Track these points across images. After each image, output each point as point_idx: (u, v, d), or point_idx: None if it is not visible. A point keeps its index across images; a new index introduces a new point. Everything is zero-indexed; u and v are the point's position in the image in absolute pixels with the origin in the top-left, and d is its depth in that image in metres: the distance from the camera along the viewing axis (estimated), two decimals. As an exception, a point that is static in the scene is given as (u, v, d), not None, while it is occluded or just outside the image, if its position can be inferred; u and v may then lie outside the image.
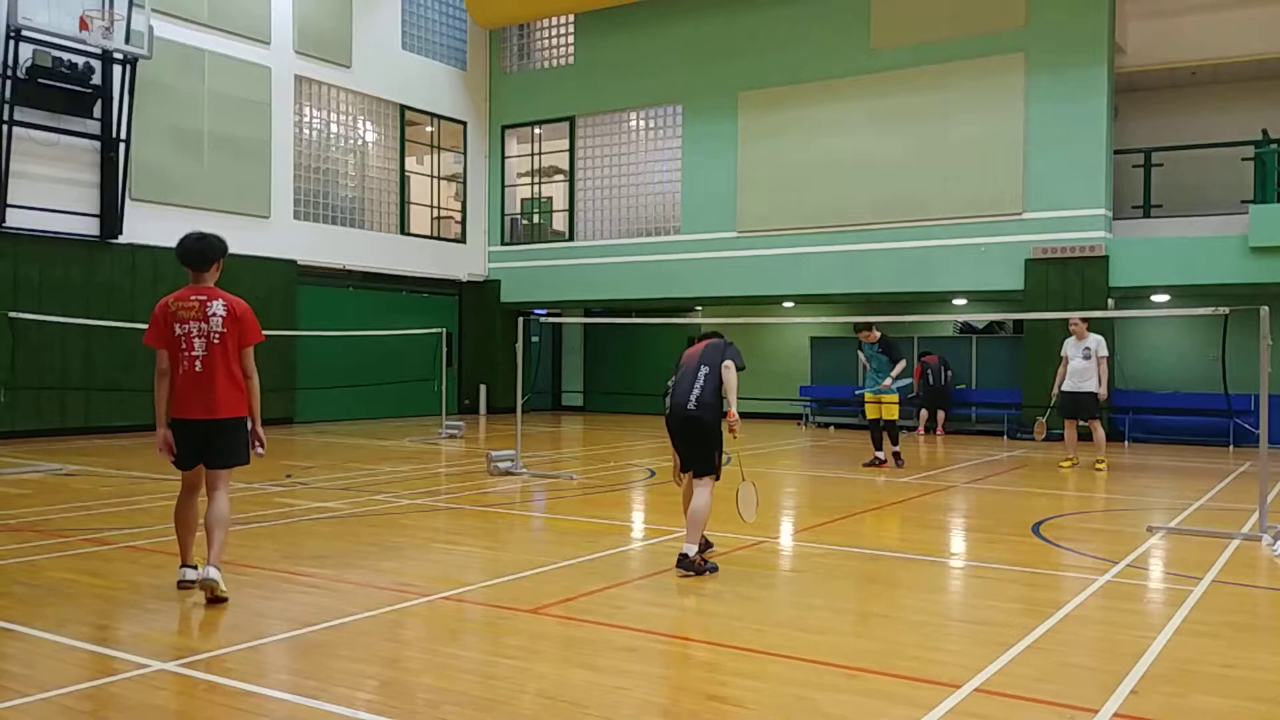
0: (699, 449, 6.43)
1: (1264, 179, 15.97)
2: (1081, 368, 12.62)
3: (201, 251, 5.70)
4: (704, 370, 6.41)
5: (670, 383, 6.60)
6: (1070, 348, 12.77)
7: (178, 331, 5.58)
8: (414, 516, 8.53)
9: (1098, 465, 12.59)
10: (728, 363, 6.39)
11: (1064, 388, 12.77)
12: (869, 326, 12.47)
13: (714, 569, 6.30)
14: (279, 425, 18.39)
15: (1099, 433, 12.79)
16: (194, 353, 5.57)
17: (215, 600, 5.40)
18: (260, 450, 5.83)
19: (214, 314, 5.62)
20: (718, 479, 6.47)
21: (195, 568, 5.70)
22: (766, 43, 19.76)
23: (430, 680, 4.25)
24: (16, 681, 4.19)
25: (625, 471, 12.16)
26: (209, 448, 5.64)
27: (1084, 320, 12.60)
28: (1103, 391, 12.71)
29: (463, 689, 4.14)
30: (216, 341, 5.59)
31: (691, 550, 6.24)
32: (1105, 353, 12.70)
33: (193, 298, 5.64)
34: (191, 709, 3.89)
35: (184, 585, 5.70)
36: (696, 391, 6.36)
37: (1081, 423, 12.94)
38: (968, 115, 17.75)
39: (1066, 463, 12.87)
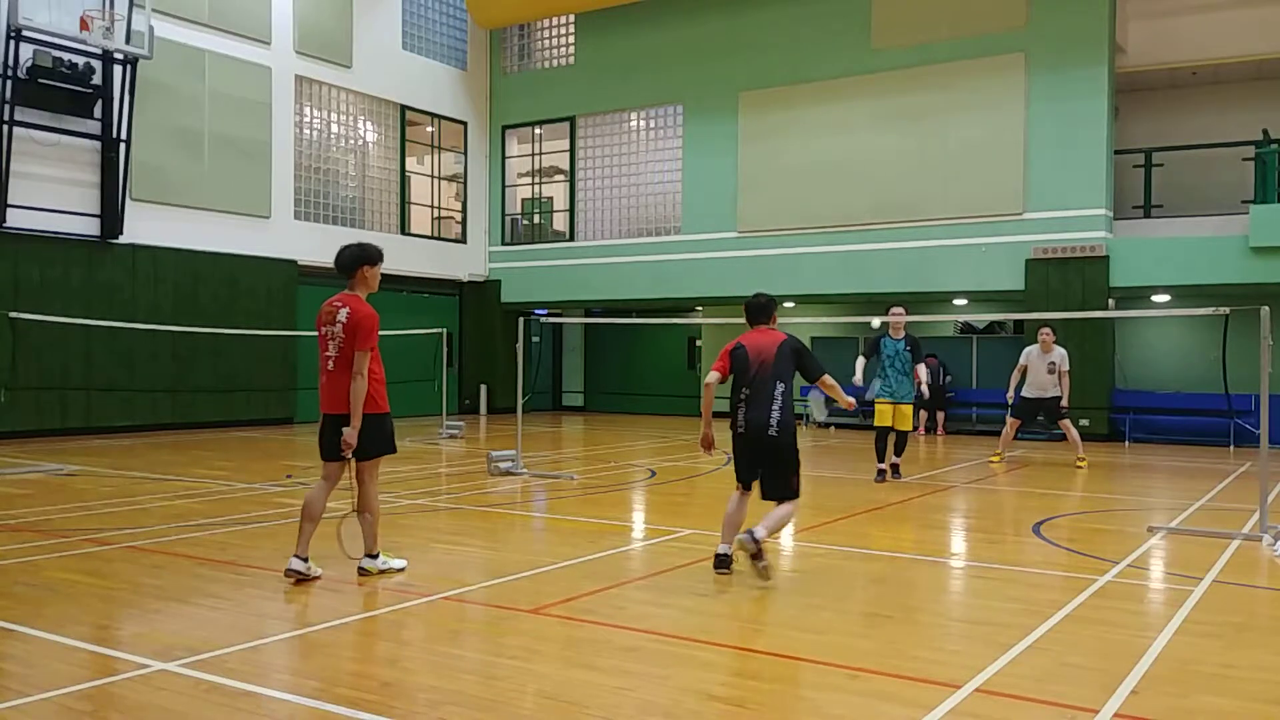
0: (779, 472, 6.18)
1: (1264, 179, 15.96)
2: (1046, 380, 12.94)
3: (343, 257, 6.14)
4: (780, 388, 6.13)
5: (744, 393, 6.15)
6: (1035, 358, 12.96)
7: None
8: (414, 516, 8.53)
9: (1079, 463, 12.86)
10: (825, 377, 6.29)
11: (1026, 394, 13.05)
12: (902, 312, 11.10)
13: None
14: (279, 425, 18.42)
15: (1073, 432, 13.09)
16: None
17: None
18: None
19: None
20: (798, 497, 6.30)
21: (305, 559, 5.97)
22: (767, 43, 19.76)
23: (430, 680, 4.25)
24: (16, 681, 4.19)
25: (626, 472, 12.16)
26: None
27: (1051, 333, 12.89)
28: (1066, 402, 13.02)
29: (463, 689, 4.14)
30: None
31: (761, 532, 5.91)
32: (1068, 367, 13.05)
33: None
34: (191, 709, 3.88)
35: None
36: (776, 414, 6.08)
37: (1055, 428, 13.54)
38: (968, 115, 17.74)
39: (995, 457, 13.28)
